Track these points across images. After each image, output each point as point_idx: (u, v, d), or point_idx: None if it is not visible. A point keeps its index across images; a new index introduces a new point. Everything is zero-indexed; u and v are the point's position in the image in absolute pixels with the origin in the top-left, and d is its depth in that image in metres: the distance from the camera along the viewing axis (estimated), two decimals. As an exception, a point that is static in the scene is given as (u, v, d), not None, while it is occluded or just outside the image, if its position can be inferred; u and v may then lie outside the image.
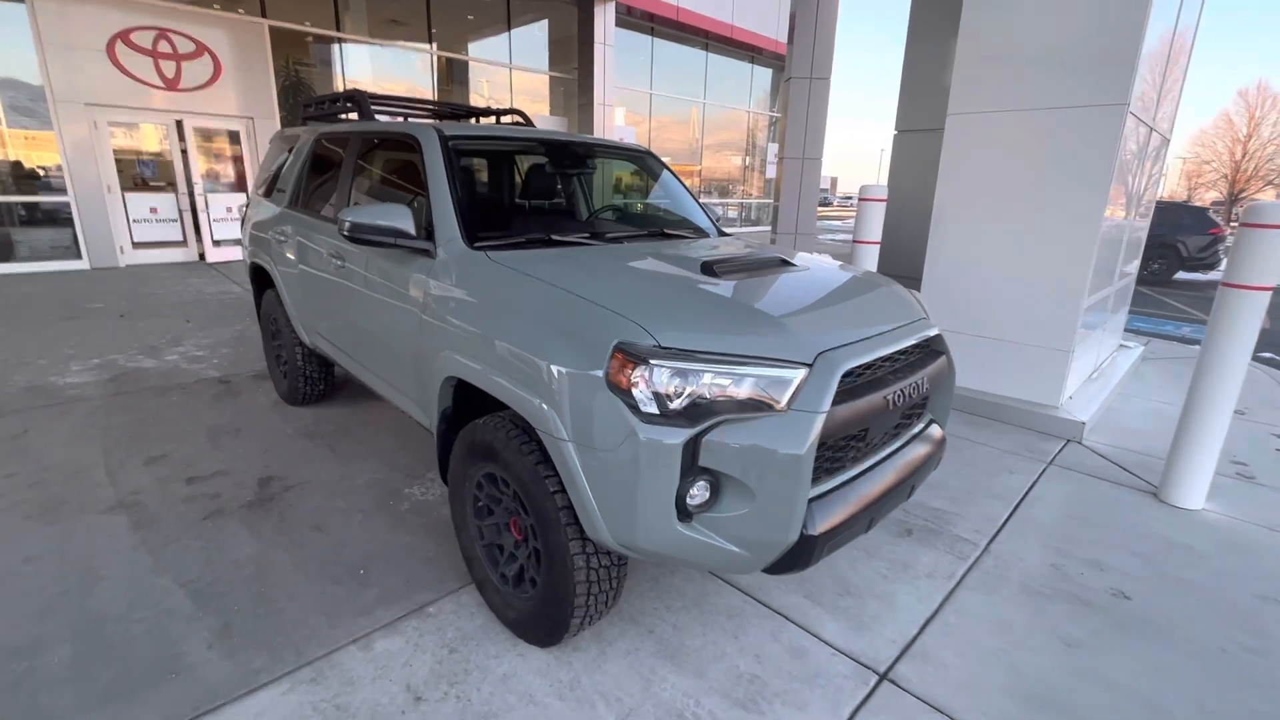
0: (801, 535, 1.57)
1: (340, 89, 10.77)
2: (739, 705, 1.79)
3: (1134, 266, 5.29)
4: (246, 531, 2.55)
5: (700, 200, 3.17)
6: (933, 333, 2.02)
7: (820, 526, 1.60)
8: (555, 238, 2.32)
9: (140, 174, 8.86)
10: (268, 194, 3.86)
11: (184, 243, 9.24)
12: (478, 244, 2.16)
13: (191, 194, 9.10)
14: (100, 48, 7.97)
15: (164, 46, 8.39)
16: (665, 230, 2.72)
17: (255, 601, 2.14)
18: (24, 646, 1.90)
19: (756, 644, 2.03)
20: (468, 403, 2.15)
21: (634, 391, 1.49)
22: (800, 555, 1.59)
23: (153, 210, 8.87)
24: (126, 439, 3.36)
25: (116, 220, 8.57)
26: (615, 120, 14.01)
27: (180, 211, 9.08)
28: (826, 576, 2.37)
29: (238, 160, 9.53)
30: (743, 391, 1.52)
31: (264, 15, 9.24)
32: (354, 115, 3.48)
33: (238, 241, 9.62)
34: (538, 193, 2.91)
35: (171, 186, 9.03)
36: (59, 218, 8.26)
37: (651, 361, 1.48)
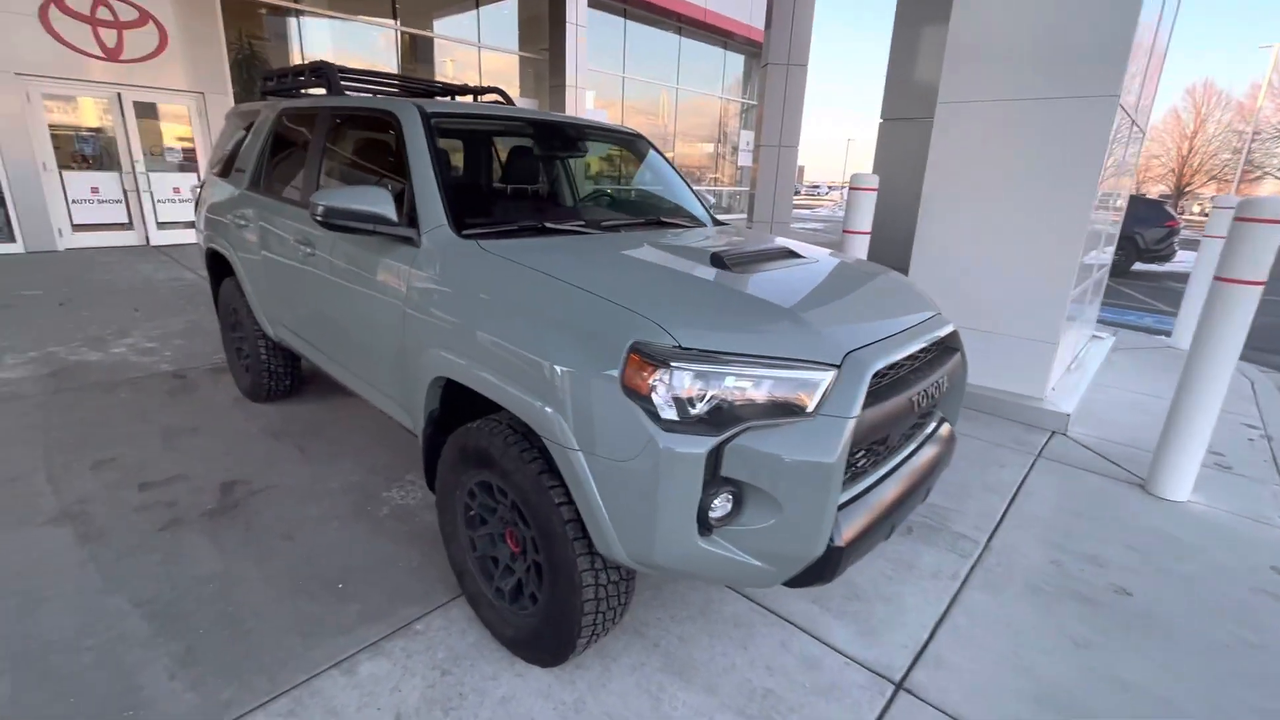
0: (828, 547, 1.47)
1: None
2: (754, 723, 1.70)
3: (1108, 257, 5.37)
4: (208, 543, 2.34)
5: (693, 187, 3.04)
6: (950, 329, 1.94)
7: (845, 537, 1.51)
8: (548, 225, 2.16)
9: (80, 151, 8.25)
10: (224, 174, 3.58)
11: (129, 225, 8.67)
12: (466, 231, 1.98)
13: (135, 174, 8.52)
14: (31, 12, 7.34)
15: (103, 13, 7.79)
16: (661, 218, 2.58)
17: (221, 622, 1.95)
18: (-47, 683, 1.68)
19: (767, 654, 1.94)
20: (457, 404, 1.99)
21: (653, 396, 1.36)
22: (826, 568, 1.49)
23: (94, 190, 8.27)
24: (70, 441, 3.07)
25: (54, 201, 7.97)
26: (586, 104, 13.70)
27: (125, 192, 8.50)
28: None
29: (186, 138, 8.97)
30: (769, 395, 1.41)
31: (214, -17, 8.67)
32: (319, 91, 3.23)
33: (186, 224, 9.11)
34: (526, 177, 2.72)
35: (114, 165, 8.44)
36: (-12, 197, 7.64)
37: (672, 364, 1.36)
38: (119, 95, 8.21)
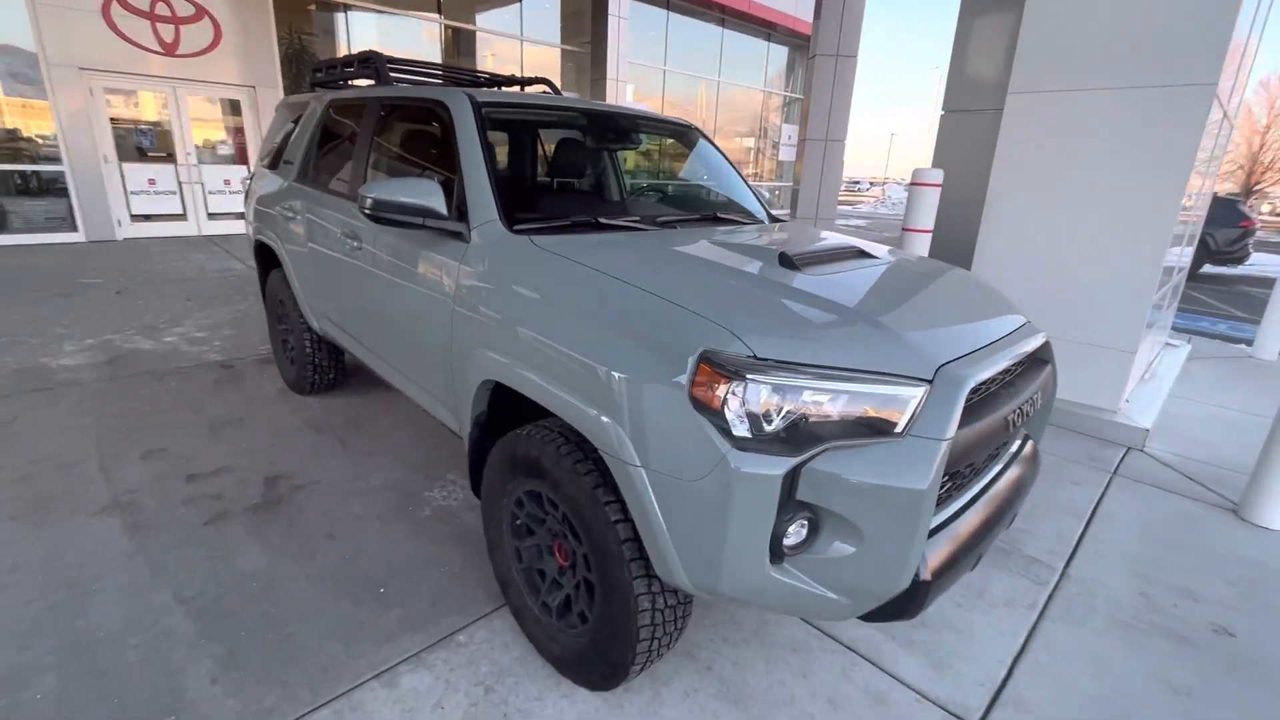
0: (913, 581, 1.33)
1: (345, 58, 10.39)
2: (819, 763, 1.57)
3: (1188, 259, 5.00)
4: (253, 539, 2.31)
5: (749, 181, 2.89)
6: (1043, 339, 1.76)
7: (931, 569, 1.36)
8: (601, 221, 2.05)
9: (138, 143, 8.51)
10: (273, 166, 3.57)
11: (183, 216, 8.92)
12: (517, 227, 1.89)
13: (188, 166, 8.76)
14: (95, 8, 7.58)
15: (161, 9, 8.00)
16: (718, 214, 2.44)
17: (263, 624, 1.91)
18: (4, 676, 1.67)
19: (829, 685, 1.80)
20: (505, 407, 1.90)
21: (725, 411, 1.24)
22: (909, 603, 1.35)
23: (151, 181, 8.53)
24: (122, 429, 3.11)
25: (114, 192, 8.24)
26: (626, 97, 13.57)
27: (180, 184, 8.74)
28: (896, 604, 2.14)
29: (238, 131, 9.18)
30: (853, 413, 1.27)
31: (267, -22, 8.82)
32: (367, 81, 3.19)
33: (236, 215, 9.33)
34: (577, 169, 2.62)
35: (170, 157, 8.69)
36: (54, 188, 7.94)
37: (748, 376, 1.23)
38: (174, 89, 8.43)
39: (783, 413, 1.25)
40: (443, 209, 1.89)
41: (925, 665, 1.89)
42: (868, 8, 8.51)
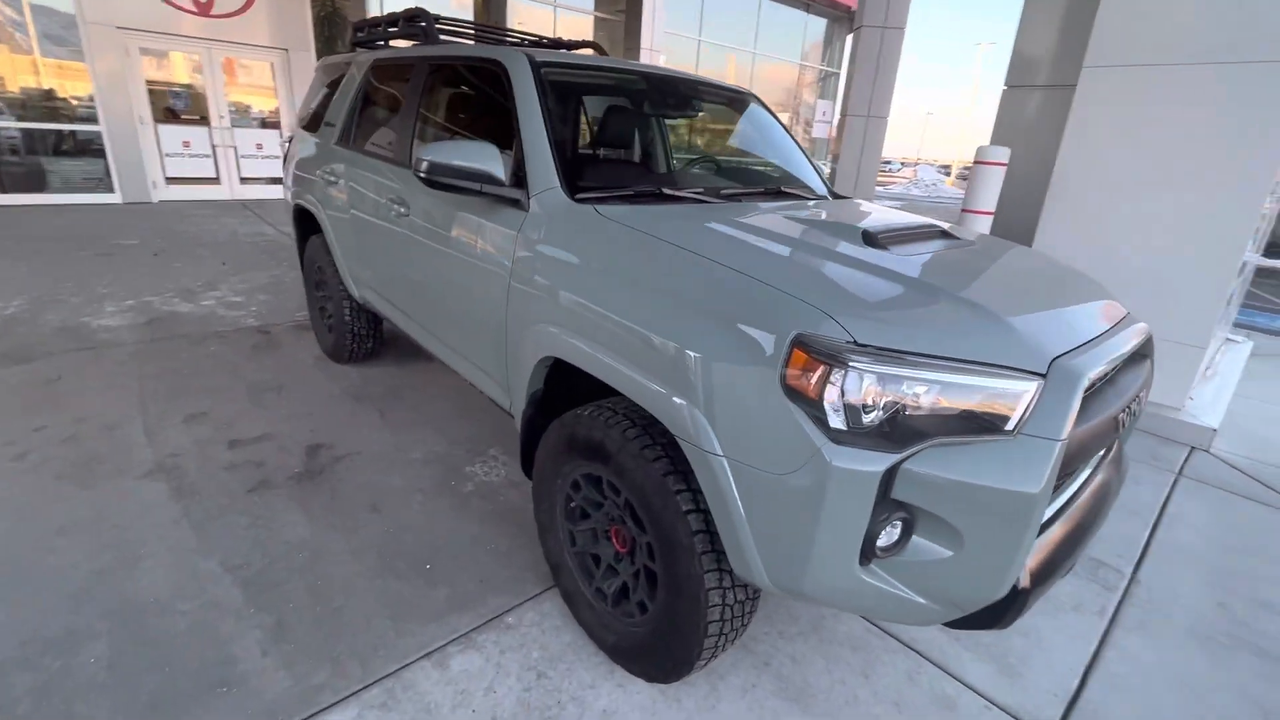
0: (1012, 589, 1.23)
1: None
2: (887, 770, 1.49)
3: (1259, 253, 4.72)
4: (297, 509, 2.29)
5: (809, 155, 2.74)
6: (1146, 332, 1.63)
7: (1031, 576, 1.26)
8: (665, 192, 1.93)
9: (173, 105, 8.50)
10: (313, 129, 3.49)
11: (216, 179, 8.93)
12: (580, 195, 1.78)
13: (221, 129, 8.74)
14: (131, -34, 7.51)
15: (197, -32, 7.90)
16: (782, 188, 2.31)
17: (310, 596, 1.88)
18: (57, 639, 1.66)
19: (893, 687, 1.72)
20: (561, 385, 1.82)
21: (822, 401, 1.14)
22: (1005, 612, 1.25)
23: (185, 144, 8.53)
24: (164, 391, 3.11)
25: (149, 154, 8.26)
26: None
27: (213, 147, 8.74)
28: (958, 604, 2.04)
29: (271, 93, 9.11)
30: (961, 407, 1.16)
31: (301, -63, 8.66)
32: (406, 42, 3.07)
33: (268, 180, 9.33)
34: (637, 138, 2.49)
35: (204, 119, 8.67)
36: (90, 149, 7.98)
37: (850, 363, 1.12)
38: (209, 50, 8.37)
39: (884, 404, 1.15)
40: (502, 174, 1.80)
41: (995, 672, 1.80)
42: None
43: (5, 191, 7.54)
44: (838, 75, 18.41)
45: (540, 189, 1.81)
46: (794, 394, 1.16)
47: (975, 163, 3.49)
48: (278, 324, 4.18)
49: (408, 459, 2.67)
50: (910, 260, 1.52)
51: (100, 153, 7.98)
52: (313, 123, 3.51)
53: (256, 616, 1.79)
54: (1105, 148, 3.48)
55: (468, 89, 2.44)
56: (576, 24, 12.75)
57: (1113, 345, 1.40)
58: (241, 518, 2.21)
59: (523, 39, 3.30)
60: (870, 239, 1.61)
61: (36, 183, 7.77)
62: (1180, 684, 1.80)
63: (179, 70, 8.51)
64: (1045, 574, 1.31)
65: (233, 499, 2.31)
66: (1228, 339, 5.14)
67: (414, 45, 2.80)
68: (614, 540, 1.69)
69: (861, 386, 1.13)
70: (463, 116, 2.45)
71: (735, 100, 2.68)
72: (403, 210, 2.39)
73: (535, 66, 1.99)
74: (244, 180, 9.17)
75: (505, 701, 1.59)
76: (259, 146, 9.12)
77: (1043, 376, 1.20)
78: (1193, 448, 3.33)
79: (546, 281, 1.66)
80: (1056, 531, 1.40)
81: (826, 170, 9.54)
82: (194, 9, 8.00)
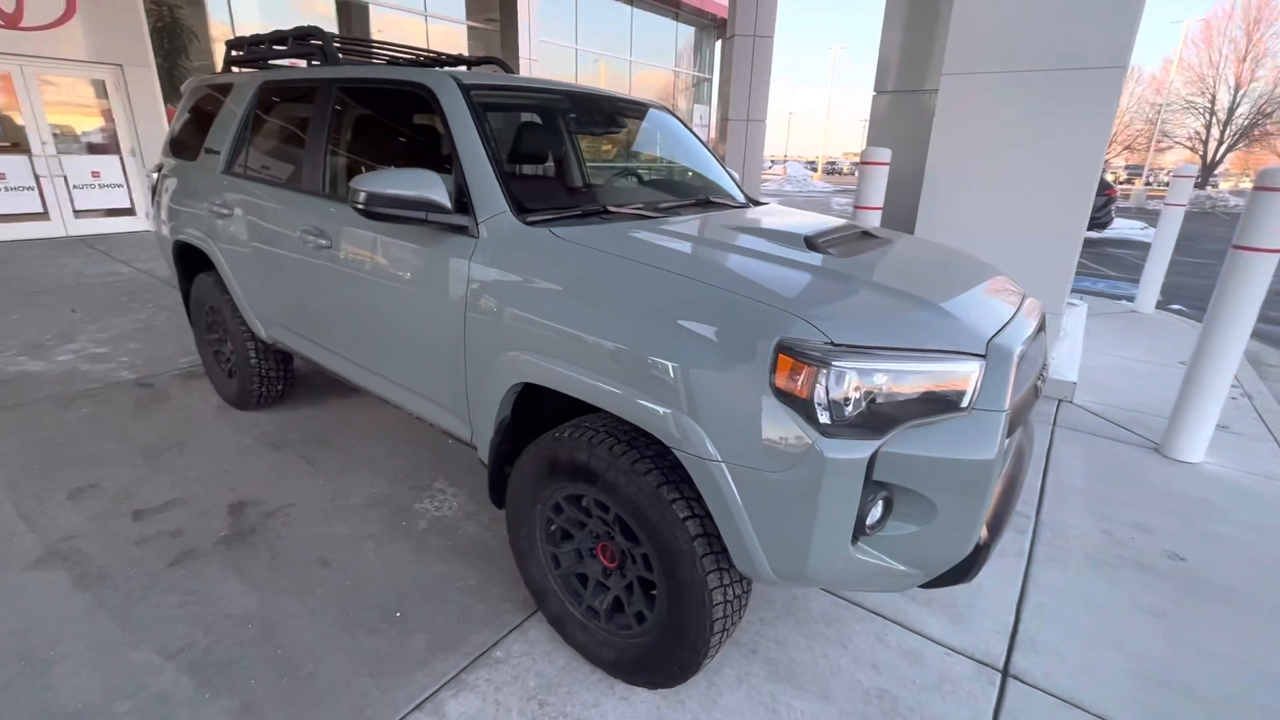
0: (974, 545, 1.40)
1: (230, 33, 9.37)
2: (880, 728, 1.63)
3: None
4: (233, 576, 2.08)
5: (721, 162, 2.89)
6: (1042, 309, 1.89)
7: (987, 532, 1.44)
8: (610, 209, 1.97)
9: (-22, 132, 7.31)
10: (189, 156, 3.17)
11: (45, 214, 7.77)
12: (531, 219, 1.78)
13: (45, 157, 7.62)
14: (-94, -30, 6.37)
15: (-4, -28, 6.84)
16: (710, 198, 2.42)
17: (274, 668, 1.73)
18: (-35, 773, 1.42)
19: (868, 652, 1.88)
20: (529, 410, 1.80)
21: (812, 399, 1.24)
22: (970, 566, 1.42)
23: (0, 176, 7.35)
24: (34, 466, 2.69)
25: (-49, 189, 7.04)
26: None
27: (37, 178, 7.60)
28: (906, 566, 2.26)
29: (106, 115, 8.08)
30: (927, 391, 1.31)
31: (125, -61, 7.75)
32: (293, 61, 2.88)
33: (110, 211, 8.28)
34: (568, 156, 2.50)
35: (20, 148, 7.52)
36: None
37: (833, 363, 1.23)
38: (21, 68, 7.27)
39: (863, 396, 1.26)
40: (446, 201, 1.75)
41: (947, 621, 2.01)
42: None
43: None
44: (710, 80, 19.26)
45: (488, 214, 1.78)
46: (784, 395, 1.25)
47: (861, 163, 3.83)
48: (159, 374, 3.74)
49: (349, 505, 2.51)
50: (852, 262, 1.67)
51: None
52: (190, 150, 3.19)
53: (215, 702, 1.62)
54: (967, 146, 3.94)
55: (387, 112, 2.34)
56: (449, 34, 12.40)
57: (1025, 323, 1.62)
58: (169, 596, 1.98)
59: (418, 56, 3.20)
60: (812, 244, 1.74)
61: None
62: (1088, 603, 2.11)
63: (-19, 91, 7.32)
64: (996, 527, 1.49)
65: (154, 577, 2.06)
66: (1069, 303, 5.98)
67: (313, 66, 2.63)
68: (601, 557, 1.71)
69: (843, 382, 1.24)
70: (384, 141, 2.34)
71: (652, 114, 2.76)
72: (324, 242, 2.25)
73: (465, 89, 1.96)
74: (79, 213, 8.06)
75: (513, 737, 1.56)
76: (95, 174, 8.06)
77: (983, 357, 1.38)
78: (1060, 400, 3.86)
79: (513, 309, 1.65)
80: (997, 489, 1.60)
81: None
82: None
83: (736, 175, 2.88)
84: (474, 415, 1.88)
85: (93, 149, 8.14)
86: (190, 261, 3.26)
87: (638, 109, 2.69)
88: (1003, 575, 2.24)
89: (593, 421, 1.60)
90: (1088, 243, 12.92)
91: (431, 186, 1.74)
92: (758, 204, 2.66)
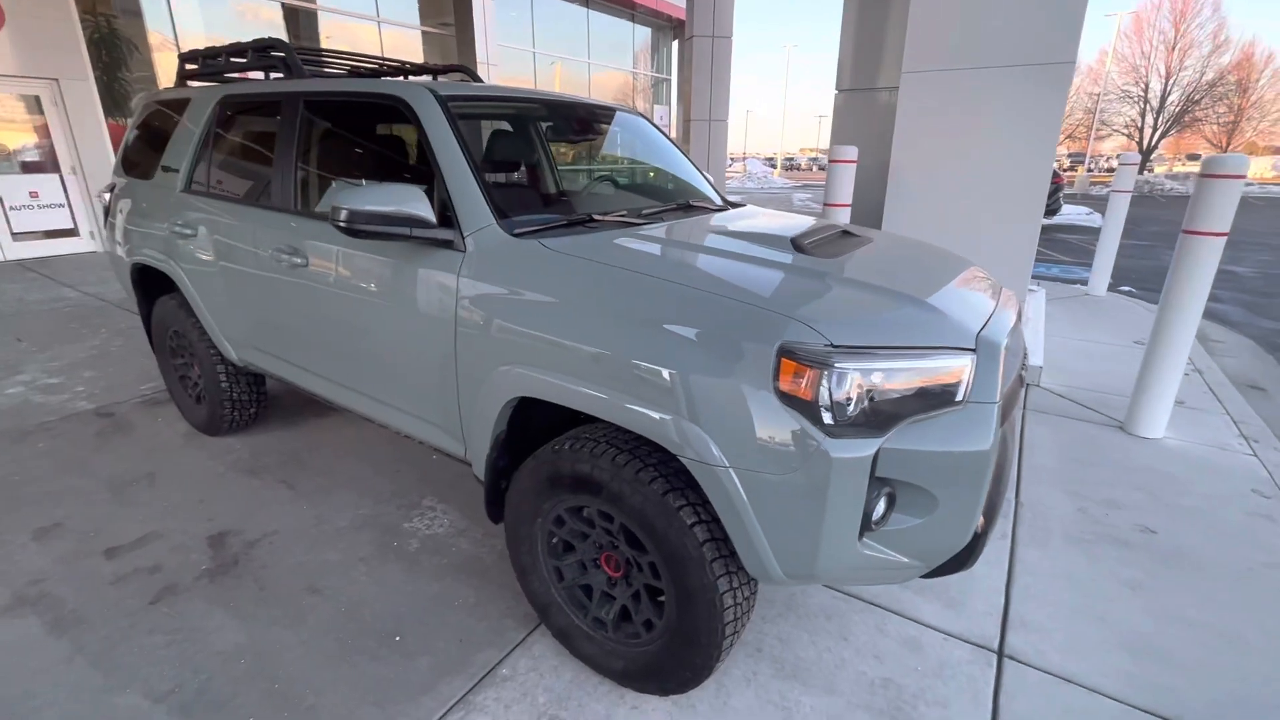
0: (972, 534, 1.44)
1: (171, 44, 9.02)
2: (887, 716, 1.67)
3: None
4: (220, 610, 2.01)
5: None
6: (1017, 300, 1.96)
7: (983, 520, 1.49)
8: (595, 218, 1.97)
9: (-100, 153, 6.87)
10: (144, 174, 3.04)
11: (-21, 239, 7.36)
12: (518, 230, 1.77)
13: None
14: None
15: (-87, -17, 6.44)
16: (690, 202, 2.44)
17: (272, 703, 1.68)
18: (-55, 841, 1.34)
19: (870, 643, 1.92)
20: (523, 424, 1.79)
21: (817, 401, 1.26)
22: (969, 555, 1.47)
23: (-73, 200, 6.94)
24: (-9, 508, 2.55)
25: (-127, 215, 6.60)
26: (496, 83, 13.04)
27: (-31, 200, 7.19)
28: (898, 555, 2.31)
29: (42, 131, 7.69)
30: (924, 387, 1.34)
31: (55, -53, 7.39)
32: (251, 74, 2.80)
33: (50, 233, 7.90)
34: (543, 165, 2.48)
35: (-51, 168, 7.10)
36: None
37: (835, 365, 1.25)
38: (-54, 84, 6.87)
39: (864, 395, 1.29)
40: (430, 216, 1.72)
41: (942, 606, 2.07)
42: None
43: None
44: (669, 81, 19.35)
45: (475, 228, 1.76)
46: (787, 398, 1.27)
47: (830, 161, 3.91)
48: (120, 402, 3.58)
49: (335, 529, 2.44)
50: (839, 262, 1.70)
51: None
52: (144, 167, 3.06)
53: (213, 743, 1.56)
54: (929, 141, 4.06)
55: (359, 126, 2.29)
56: (403, 39, 12.18)
57: (1007, 314, 1.68)
58: (153, 636, 1.90)
59: (381, 65, 3.13)
60: (799, 246, 1.77)
61: None
62: (1070, 581, 2.19)
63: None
64: (991, 514, 1.54)
65: (133, 617, 1.98)
66: (1029, 289, 6.21)
67: (277, 80, 2.55)
68: (605, 567, 1.71)
69: (845, 383, 1.27)
70: (357, 155, 2.29)
71: (626, 119, 2.77)
72: (299, 261, 2.19)
73: (442, 101, 1.93)
74: (17, 236, 7.65)
75: (527, 756, 1.54)
76: (33, 194, 7.66)
77: (974, 351, 1.42)
78: (1028, 384, 4.00)
79: (505, 322, 1.63)
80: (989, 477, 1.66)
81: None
82: (-83, 34, 6.52)
83: (711, 177, 2.90)
84: (468, 431, 1.86)
85: (29, 168, 7.74)
86: (150, 284, 3.13)
87: (611, 114, 2.69)
88: (990, 559, 2.31)
89: (592, 432, 1.59)
90: (1040, 229, 13.43)
91: (414, 201, 1.71)
92: (734, 205, 2.69)
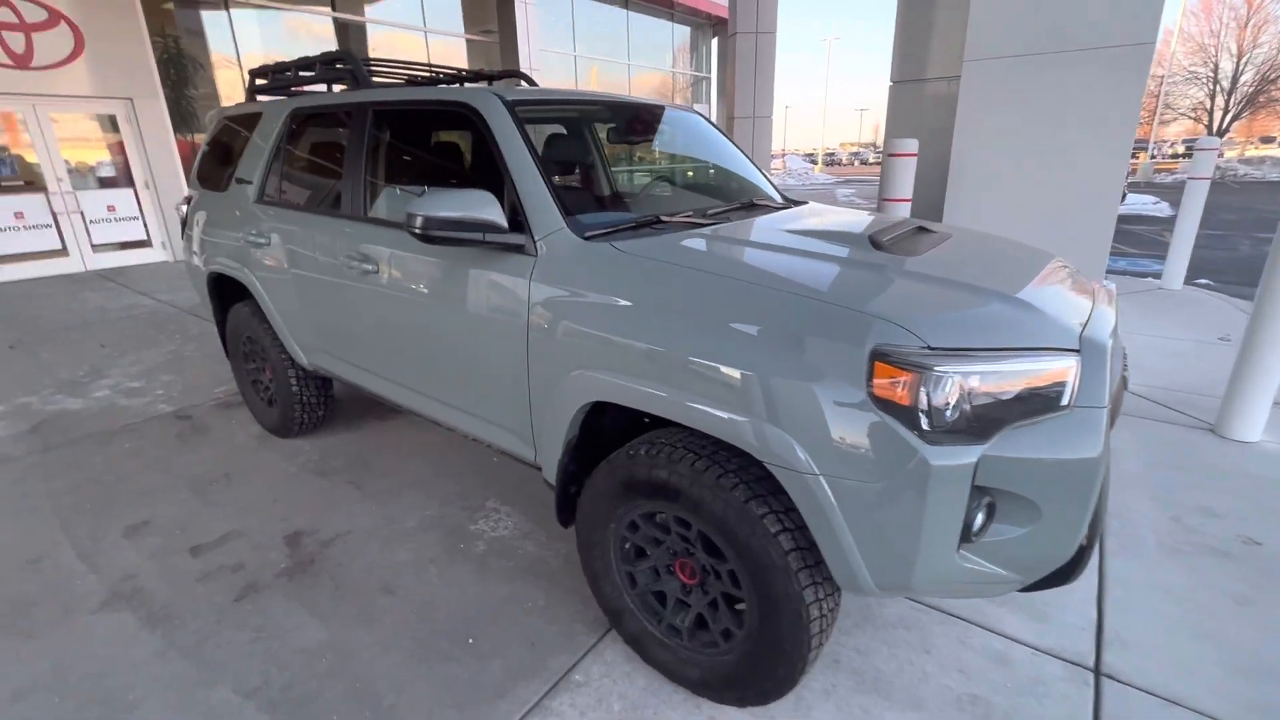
0: (1078, 547, 1.36)
1: (234, 61, 9.43)
2: (978, 736, 1.59)
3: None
4: (300, 609, 2.07)
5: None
6: (1114, 294, 1.85)
7: (1089, 532, 1.40)
8: (663, 218, 1.95)
9: (-6, 173, 7.38)
10: (219, 186, 3.17)
11: (64, 251, 7.84)
12: (589, 233, 1.76)
13: (61, 193, 7.68)
14: (-81, 18, 6.44)
15: (6, 14, 6.90)
16: (754, 200, 2.39)
17: (355, 701, 1.71)
18: (61, 826, 1.40)
19: (953, 656, 1.83)
20: (593, 428, 1.78)
21: (915, 406, 1.20)
22: (1073, 569, 1.38)
23: (18, 215, 7.42)
24: (86, 506, 2.69)
25: (-29, 230, 7.11)
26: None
27: (54, 215, 7.66)
28: (977, 564, 2.21)
29: (117, 148, 8.14)
30: (1026, 391, 1.27)
31: (129, -26, 7.82)
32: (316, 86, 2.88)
33: (125, 244, 8.35)
34: (608, 166, 2.47)
35: (37, 186, 7.58)
36: (-109, 232, 6.76)
37: (934, 368, 1.19)
38: (34, 107, 7.34)
39: (964, 400, 1.23)
40: (503, 221, 1.73)
41: (1028, 619, 1.97)
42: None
43: None
44: (708, 79, 19.23)
45: (546, 231, 1.76)
46: (885, 404, 1.22)
47: (887, 155, 3.79)
48: (197, 405, 3.75)
49: (404, 529, 2.49)
50: (922, 259, 1.63)
51: (-95, 236, 6.77)
52: (219, 179, 3.19)
53: (301, 740, 1.60)
54: (993, 132, 3.90)
55: (427, 133, 2.32)
56: (449, 48, 12.44)
57: (1107, 312, 1.58)
58: (239, 633, 1.97)
59: (437, 74, 3.18)
60: (877, 244, 1.71)
61: None
62: (1168, 594, 2.06)
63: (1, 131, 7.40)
64: (1095, 526, 1.45)
65: (220, 613, 2.05)
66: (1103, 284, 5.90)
67: (344, 90, 2.62)
68: (679, 573, 1.68)
69: (945, 387, 1.21)
70: (425, 162, 2.32)
71: (685, 118, 2.74)
72: (369, 267, 2.23)
73: (510, 106, 1.94)
74: (96, 248, 8.12)
75: (607, 763, 1.53)
76: (111, 209, 8.12)
77: (1078, 351, 1.34)
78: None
79: (580, 326, 1.62)
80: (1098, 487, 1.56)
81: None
82: (9, 62, 6.99)
83: (771, 176, 2.84)
84: (539, 435, 1.86)
85: (106, 183, 8.20)
86: (225, 292, 3.26)
87: (671, 114, 2.66)
88: (1077, 569, 2.19)
89: (669, 437, 1.57)
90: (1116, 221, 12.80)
91: (488, 207, 1.72)
92: (796, 203, 2.62)
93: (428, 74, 3.11)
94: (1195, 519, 2.46)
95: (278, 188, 2.78)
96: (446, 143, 2.39)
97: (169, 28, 8.62)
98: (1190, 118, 33.64)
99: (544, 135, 2.44)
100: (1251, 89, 31.13)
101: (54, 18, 7.20)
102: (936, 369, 1.20)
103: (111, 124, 8.04)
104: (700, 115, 2.82)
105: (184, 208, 3.47)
